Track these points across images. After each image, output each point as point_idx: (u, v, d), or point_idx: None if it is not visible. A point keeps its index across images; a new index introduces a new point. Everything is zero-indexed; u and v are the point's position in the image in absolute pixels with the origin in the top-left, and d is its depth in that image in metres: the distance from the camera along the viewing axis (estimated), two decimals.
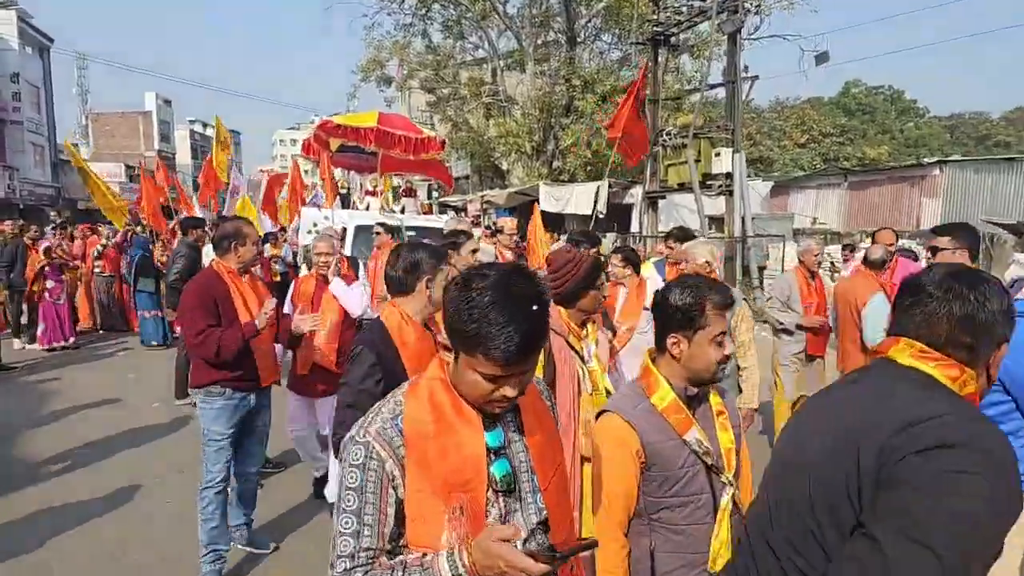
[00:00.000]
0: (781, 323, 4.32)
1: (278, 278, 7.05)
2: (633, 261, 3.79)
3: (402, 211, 7.98)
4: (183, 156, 48.99)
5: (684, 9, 11.87)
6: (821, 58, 11.31)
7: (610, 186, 14.20)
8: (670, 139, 11.71)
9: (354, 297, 3.47)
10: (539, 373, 1.97)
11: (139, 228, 9.57)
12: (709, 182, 11.29)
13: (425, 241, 2.44)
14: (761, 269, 11.66)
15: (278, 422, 3.38)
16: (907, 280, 1.16)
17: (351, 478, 1.07)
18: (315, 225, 7.08)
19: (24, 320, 8.26)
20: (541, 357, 1.90)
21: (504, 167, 20.27)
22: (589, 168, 18.13)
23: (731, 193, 11.07)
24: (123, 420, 5.27)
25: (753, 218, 11.57)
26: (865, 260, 4.07)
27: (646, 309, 3.76)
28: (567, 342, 2.12)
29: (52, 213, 12.77)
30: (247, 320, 2.77)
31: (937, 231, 2.80)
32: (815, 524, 1.04)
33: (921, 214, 14.84)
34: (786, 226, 14.62)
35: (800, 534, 1.07)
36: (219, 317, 2.72)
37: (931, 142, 37.71)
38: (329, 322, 3.38)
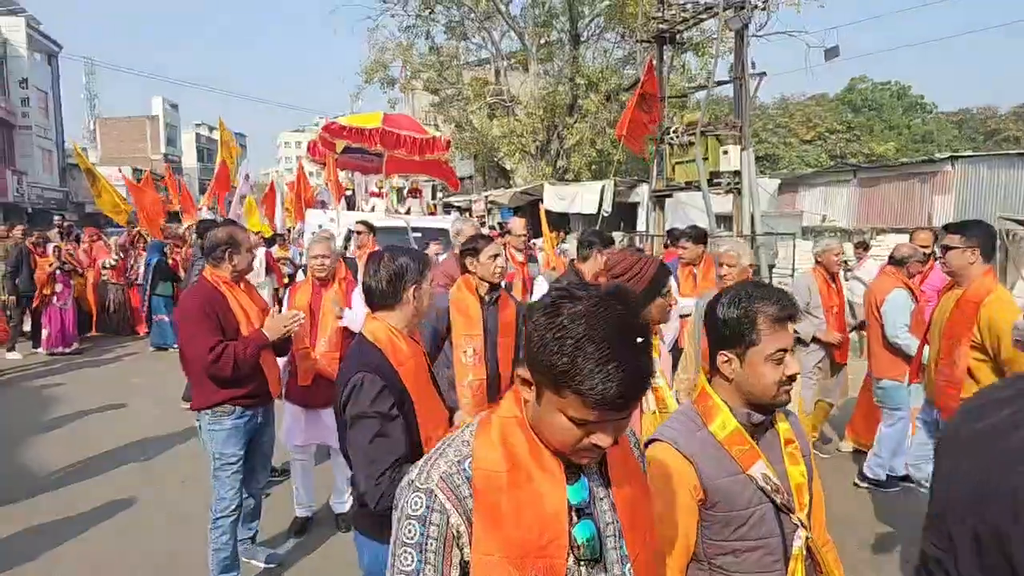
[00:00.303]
0: (796, 332, 4.17)
1: (287, 280, 7.00)
2: None
3: (407, 212, 7.92)
4: (189, 160, 49.24)
5: (690, 6, 11.74)
6: (831, 52, 11.14)
7: (616, 185, 14.09)
8: (677, 137, 11.58)
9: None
10: None
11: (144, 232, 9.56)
12: (717, 180, 11.16)
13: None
14: (770, 268, 11.52)
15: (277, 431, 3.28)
16: None
17: (408, 532, 0.91)
18: (320, 227, 7.03)
19: (27, 327, 8.24)
20: None
21: (508, 167, 20.19)
22: (594, 167, 18.02)
23: (740, 191, 10.94)
24: (126, 427, 5.22)
25: (762, 216, 11.43)
26: (891, 258, 3.97)
27: None
28: None
29: (56, 218, 12.76)
30: (252, 331, 2.62)
31: (948, 229, 2.72)
32: None
33: (933, 211, 14.63)
34: (795, 224, 14.46)
35: None
36: (224, 332, 2.55)
37: (939, 138, 37.28)
38: (330, 328, 3.21)
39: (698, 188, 11.29)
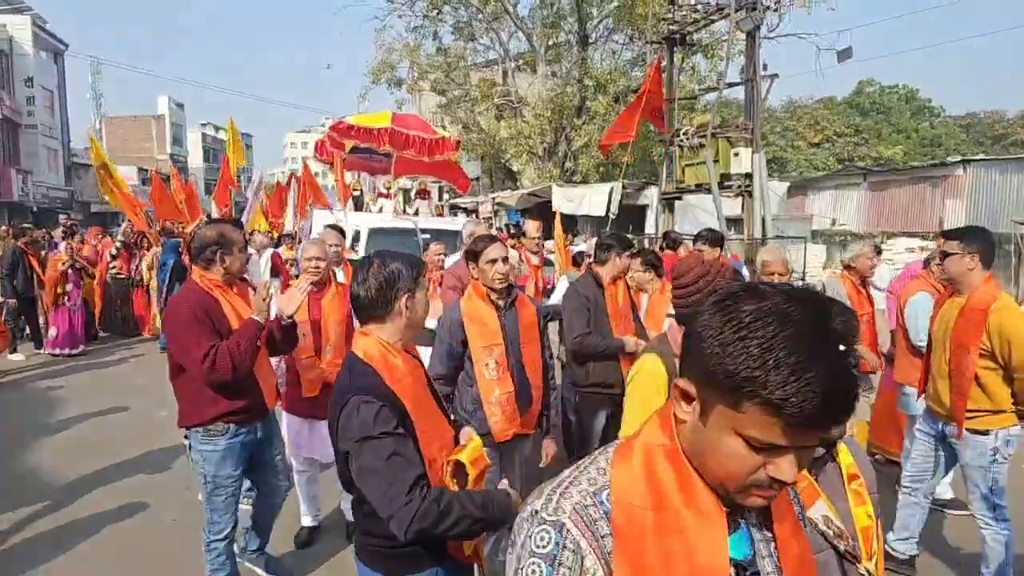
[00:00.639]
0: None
1: (294, 281, 6.87)
2: (656, 265, 3.58)
3: (415, 213, 7.82)
4: (195, 159, 49.37)
5: (700, 7, 11.64)
6: (844, 54, 11.03)
7: (624, 187, 13.98)
8: (687, 139, 11.46)
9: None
10: (652, 410, 1.70)
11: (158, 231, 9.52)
12: (728, 183, 11.04)
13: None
14: None
15: None
16: None
17: (533, 572, 0.76)
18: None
19: (27, 330, 8.16)
20: (663, 392, 1.64)
21: (515, 169, 20.10)
22: (601, 169, 17.92)
23: (751, 194, 10.81)
24: (130, 430, 5.13)
25: (772, 219, 11.30)
26: (925, 262, 3.86)
27: (671, 316, 3.55)
28: None
29: (62, 217, 12.72)
30: (241, 323, 2.38)
31: (947, 235, 2.70)
32: None
33: (944, 215, 14.47)
34: (805, 228, 14.33)
35: None
36: (219, 337, 2.31)
37: (947, 142, 37.11)
38: (334, 335, 3.03)
39: (708, 191, 11.17)
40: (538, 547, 0.76)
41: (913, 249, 12.66)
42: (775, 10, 11.04)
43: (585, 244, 6.51)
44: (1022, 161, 14.85)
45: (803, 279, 11.17)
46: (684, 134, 11.64)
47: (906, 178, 16.08)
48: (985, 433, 2.55)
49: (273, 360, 2.77)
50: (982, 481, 2.58)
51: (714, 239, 4.82)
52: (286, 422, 3.17)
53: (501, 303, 2.56)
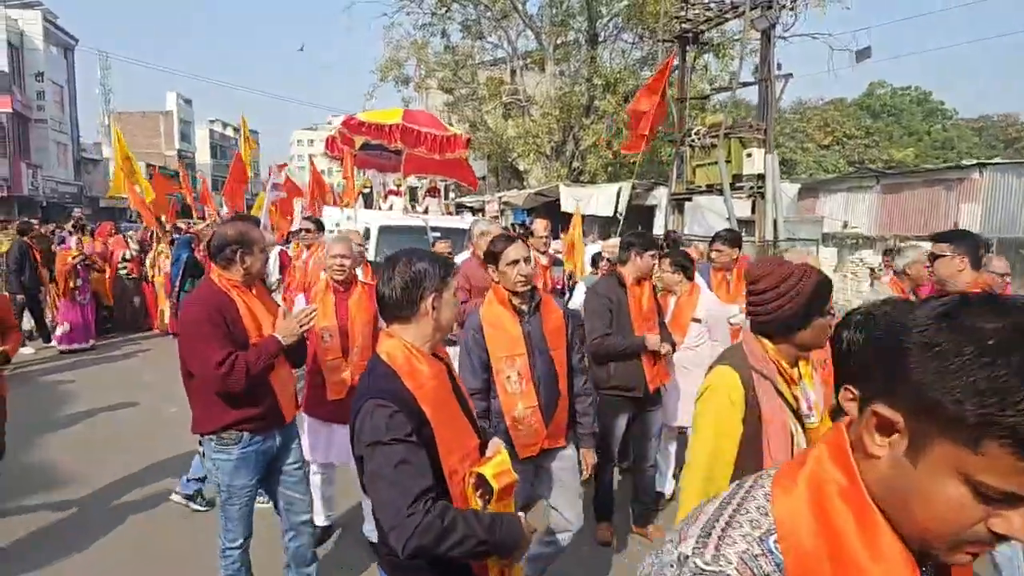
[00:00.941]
0: None
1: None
2: (685, 267, 3.44)
3: (425, 211, 7.73)
4: (203, 156, 49.53)
5: (714, 5, 11.50)
6: (863, 54, 10.87)
7: (633, 187, 13.87)
8: (699, 139, 11.33)
9: None
10: (732, 432, 1.52)
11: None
12: (739, 184, 10.91)
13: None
14: None
15: None
16: None
17: None
18: (337, 225, 6.85)
19: (26, 325, 8.12)
20: (740, 408, 1.51)
21: (522, 168, 20.00)
22: (609, 169, 17.80)
23: (762, 195, 10.67)
24: (138, 426, 5.10)
25: (783, 221, 11.16)
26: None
27: (696, 321, 3.44)
28: (775, 388, 1.54)
29: (76, 211, 12.73)
30: (264, 338, 2.29)
31: (935, 238, 2.80)
32: None
33: (960, 219, 14.26)
34: (816, 230, 14.16)
35: None
36: (234, 343, 2.21)
37: (959, 145, 36.74)
38: (360, 337, 2.93)
39: (719, 192, 11.04)
40: None
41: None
42: (791, 9, 10.89)
43: (599, 245, 6.39)
44: None
45: None
46: (696, 134, 11.51)
47: (920, 181, 15.88)
48: None
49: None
50: None
51: (733, 239, 4.70)
52: (306, 424, 3.10)
53: (524, 308, 2.37)
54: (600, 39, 18.84)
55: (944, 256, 2.65)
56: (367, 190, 8.46)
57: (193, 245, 8.07)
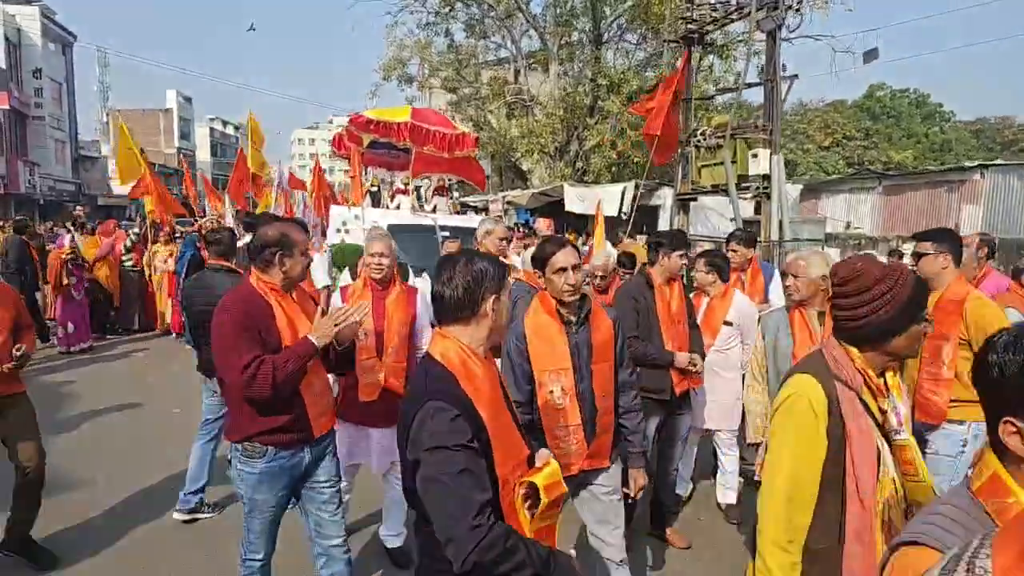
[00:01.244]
0: None
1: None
2: (720, 267, 3.36)
3: (434, 210, 7.68)
4: (203, 154, 49.34)
5: (719, 6, 11.48)
6: (870, 55, 10.85)
7: (637, 187, 13.84)
8: (704, 140, 11.32)
9: None
10: (817, 449, 1.40)
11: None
12: (745, 184, 10.90)
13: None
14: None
15: None
16: None
17: None
18: (344, 224, 6.79)
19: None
20: (824, 421, 1.40)
21: (525, 168, 19.95)
22: (613, 169, 17.77)
23: (768, 195, 10.66)
24: (142, 427, 5.05)
25: (788, 222, 11.15)
26: (1014, 275, 3.67)
27: (727, 324, 3.39)
28: (860, 399, 1.42)
29: (77, 208, 12.64)
30: (297, 340, 2.15)
31: (919, 237, 2.84)
32: None
33: (961, 220, 14.28)
34: (819, 231, 14.15)
35: None
36: (264, 347, 2.09)
37: (957, 147, 36.90)
38: (397, 337, 2.84)
39: (724, 192, 11.02)
40: None
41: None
42: (796, 10, 10.87)
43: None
44: None
45: None
46: (701, 134, 11.50)
47: (922, 182, 15.90)
48: (960, 423, 2.60)
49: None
50: (947, 472, 2.59)
51: (749, 239, 4.67)
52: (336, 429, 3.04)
53: (572, 318, 2.20)
54: (604, 39, 18.81)
55: (928, 255, 2.70)
56: (375, 189, 8.39)
57: (198, 244, 8.01)
